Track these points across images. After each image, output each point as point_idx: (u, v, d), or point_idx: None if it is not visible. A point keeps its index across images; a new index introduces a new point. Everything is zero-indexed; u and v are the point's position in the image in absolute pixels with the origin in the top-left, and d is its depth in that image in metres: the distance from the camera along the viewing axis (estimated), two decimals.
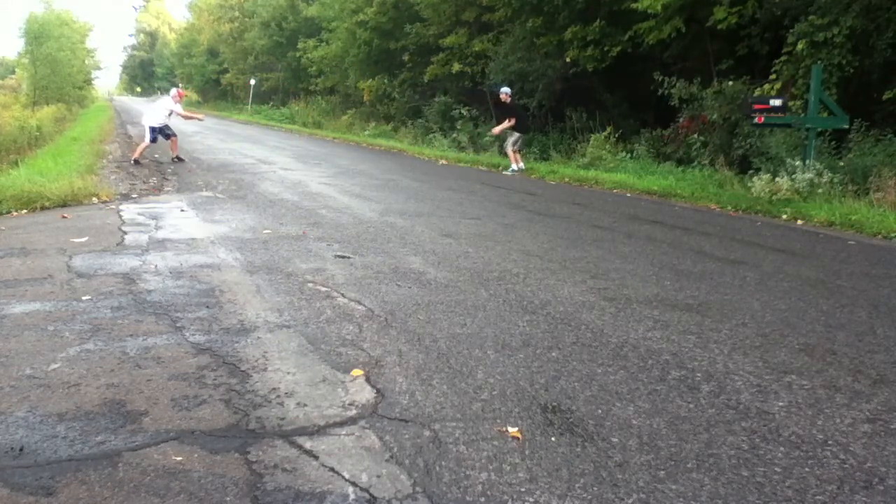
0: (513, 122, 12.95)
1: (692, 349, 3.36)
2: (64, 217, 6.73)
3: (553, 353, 3.25)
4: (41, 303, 3.83)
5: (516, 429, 2.48)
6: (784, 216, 7.89)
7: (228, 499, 2.00)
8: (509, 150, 12.89)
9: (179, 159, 12.57)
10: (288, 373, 2.94)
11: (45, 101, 31.96)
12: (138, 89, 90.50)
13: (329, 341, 3.35)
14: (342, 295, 4.16)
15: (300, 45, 30.38)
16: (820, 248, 6.16)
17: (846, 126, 9.14)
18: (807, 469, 2.26)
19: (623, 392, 2.82)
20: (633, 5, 11.97)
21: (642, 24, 12.51)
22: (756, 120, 8.99)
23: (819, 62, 9.36)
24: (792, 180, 8.39)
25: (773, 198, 8.37)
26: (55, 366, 2.94)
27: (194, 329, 3.46)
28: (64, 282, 4.27)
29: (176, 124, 12.82)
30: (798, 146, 9.41)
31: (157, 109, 12.59)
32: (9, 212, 7.08)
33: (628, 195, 9.84)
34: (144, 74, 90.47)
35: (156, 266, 4.76)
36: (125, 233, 5.95)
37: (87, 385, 2.76)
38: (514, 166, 12.74)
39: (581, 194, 9.84)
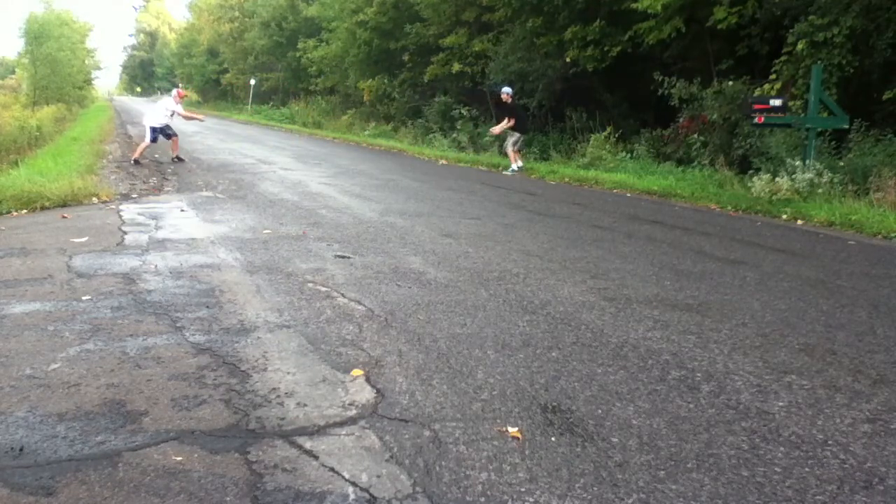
0: (512, 122, 12.95)
1: (692, 349, 3.36)
2: (64, 217, 6.73)
3: (553, 353, 3.25)
4: (41, 303, 3.83)
5: (516, 429, 2.48)
6: (784, 216, 7.89)
7: (228, 499, 2.00)
8: (510, 150, 12.89)
9: (179, 159, 12.57)
10: (288, 373, 2.94)
11: (45, 101, 31.96)
12: (138, 89, 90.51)
13: (329, 341, 3.35)
14: (342, 295, 4.16)
15: (300, 45, 30.39)
16: (820, 248, 6.16)
17: (846, 126, 9.14)
18: (807, 469, 2.26)
19: (623, 392, 2.82)
20: (633, 5, 11.97)
21: (642, 24, 12.51)
22: (756, 120, 9.00)
23: (819, 62, 9.36)
24: (792, 180, 8.40)
25: (773, 198, 8.37)
26: (55, 366, 2.94)
27: (194, 329, 3.46)
28: (64, 282, 4.27)
29: (176, 124, 12.81)
30: (798, 146, 9.41)
31: (158, 109, 12.60)
32: (9, 212, 7.08)
33: (628, 195, 9.84)
34: (144, 74, 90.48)
35: (156, 266, 4.76)
36: (125, 233, 5.95)
37: (87, 385, 2.76)
38: (514, 166, 12.74)
39: (581, 194, 9.84)
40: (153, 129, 12.12)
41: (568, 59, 14.56)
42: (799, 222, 7.60)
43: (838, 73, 9.61)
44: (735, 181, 9.66)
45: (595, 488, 2.12)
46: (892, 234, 6.69)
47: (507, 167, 12.92)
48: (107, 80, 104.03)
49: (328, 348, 3.25)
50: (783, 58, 10.34)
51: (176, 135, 12.65)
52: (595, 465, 2.25)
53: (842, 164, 8.97)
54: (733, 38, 11.95)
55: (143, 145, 12.34)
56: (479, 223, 6.92)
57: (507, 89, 13.05)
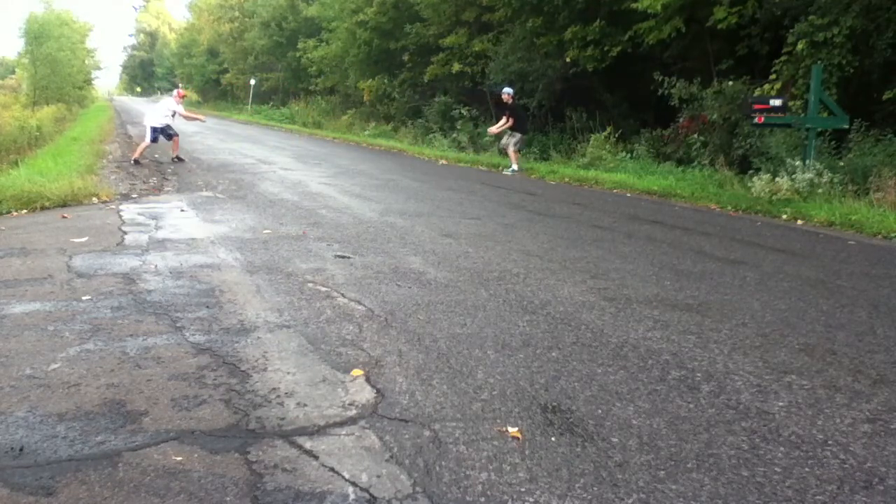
0: (511, 122, 12.96)
1: (692, 349, 3.36)
2: (64, 217, 6.73)
3: (553, 353, 3.25)
4: (41, 303, 3.83)
5: (516, 429, 2.48)
6: (784, 216, 7.89)
7: (228, 499, 2.00)
8: (511, 150, 12.89)
9: (179, 159, 12.57)
10: (288, 373, 2.94)
11: (45, 101, 31.96)
12: (138, 89, 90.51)
13: (329, 341, 3.35)
14: (342, 295, 4.16)
15: (300, 45, 30.38)
16: (820, 248, 6.16)
17: (846, 126, 9.14)
18: (807, 469, 2.26)
19: (623, 392, 2.82)
20: (633, 5, 11.97)
21: (642, 24, 12.51)
22: (756, 120, 9.00)
23: (819, 62, 9.36)
24: (792, 180, 8.40)
25: (773, 198, 8.37)
26: (55, 366, 2.94)
27: (194, 329, 3.46)
28: (64, 282, 4.27)
29: (177, 124, 12.82)
30: (798, 146, 9.41)
31: (159, 109, 12.60)
32: (9, 212, 7.08)
33: (628, 195, 9.84)
34: (144, 74, 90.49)
35: (156, 266, 4.76)
36: (125, 233, 5.95)
37: (87, 385, 2.76)
38: (514, 166, 12.75)
39: (581, 194, 9.84)
40: (153, 129, 12.12)
41: (568, 59, 14.56)
42: (799, 222, 7.60)
43: (838, 73, 9.61)
44: (735, 181, 9.66)
45: (595, 488, 2.12)
46: (892, 234, 6.69)
47: (507, 167, 12.93)
48: (107, 80, 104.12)
49: (328, 348, 3.25)
50: (783, 58, 10.34)
51: (177, 135, 12.65)
52: (595, 465, 2.25)
53: (842, 164, 8.97)
54: (733, 38, 11.95)
55: (143, 145, 12.34)
56: (479, 223, 6.92)
57: (507, 90, 13.06)
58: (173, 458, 2.21)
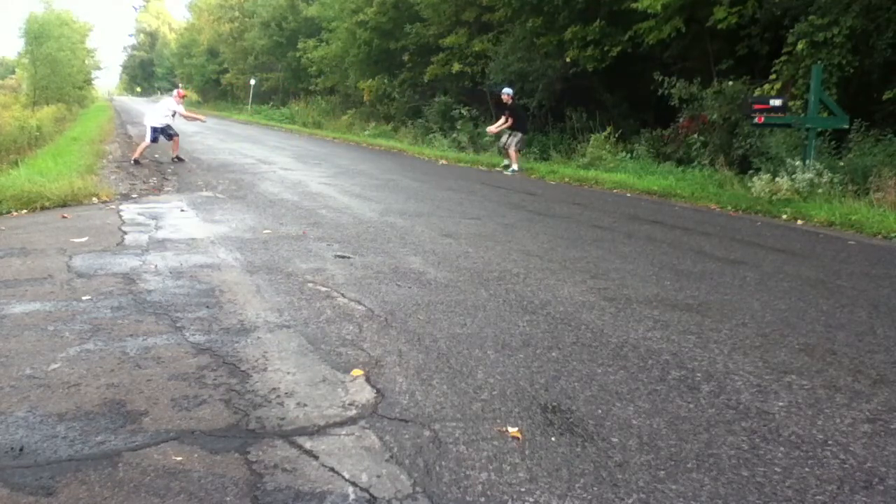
0: (510, 121, 12.97)
1: (692, 349, 3.36)
2: (64, 217, 6.73)
3: (553, 353, 3.25)
4: (41, 303, 3.83)
5: (516, 429, 2.48)
6: (784, 216, 7.89)
7: (228, 499, 2.00)
8: (512, 150, 12.89)
9: (179, 159, 12.57)
10: (288, 373, 2.94)
11: (45, 101, 31.96)
12: (138, 89, 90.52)
13: (329, 341, 3.35)
14: (342, 295, 4.16)
15: (300, 45, 30.39)
16: (820, 248, 6.16)
17: (846, 126, 9.14)
18: (807, 469, 2.26)
19: (623, 392, 2.82)
20: (633, 5, 11.97)
21: (642, 24, 12.51)
22: (756, 120, 9.00)
23: (819, 62, 9.36)
24: (792, 180, 8.40)
25: (773, 198, 8.37)
26: (55, 366, 2.94)
27: (194, 329, 3.46)
28: (64, 282, 4.27)
29: (177, 124, 12.82)
30: (798, 146, 9.41)
31: (160, 109, 12.59)
32: (9, 212, 7.08)
33: (628, 195, 9.84)
34: (144, 74, 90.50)
35: (156, 266, 4.76)
36: (125, 233, 5.95)
37: (87, 385, 2.76)
38: (514, 166, 12.75)
39: (581, 194, 9.84)
40: (153, 129, 12.11)
41: (568, 59, 14.56)
42: (799, 222, 7.60)
43: (838, 73, 9.61)
44: (735, 181, 9.66)
45: (595, 488, 2.12)
46: (892, 234, 6.69)
47: (499, 165, 12.93)
48: (107, 80, 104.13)
49: (328, 348, 3.25)
50: (783, 58, 10.34)
51: (177, 135, 12.65)
52: (595, 465, 2.25)
53: (842, 164, 8.97)
54: (733, 38, 11.95)
55: (143, 145, 12.34)
56: (479, 223, 6.93)
57: (507, 90, 13.08)
58: (173, 458, 2.21)
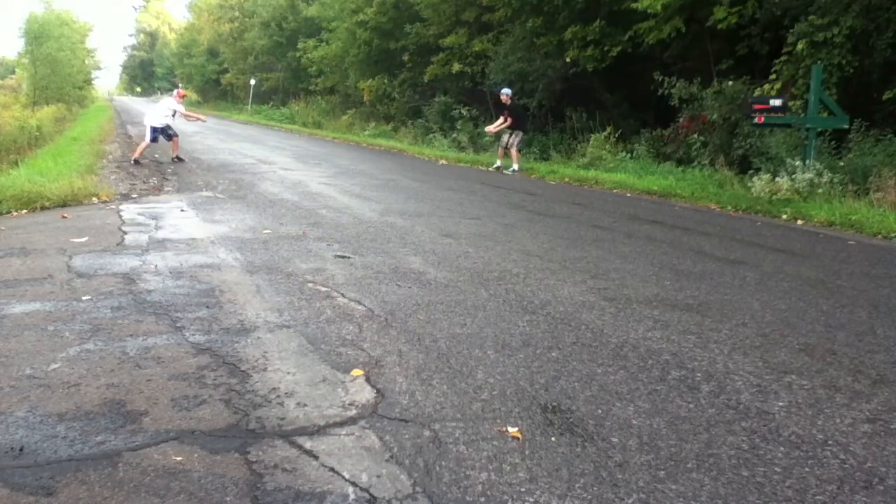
0: (509, 121, 12.97)
1: (692, 349, 3.36)
2: (64, 217, 6.73)
3: (553, 353, 3.25)
4: (41, 303, 3.83)
5: (516, 429, 2.48)
6: (784, 216, 7.89)
7: (228, 499, 2.00)
8: (514, 150, 12.90)
9: (179, 159, 12.57)
10: (288, 373, 2.94)
11: (45, 101, 31.96)
12: (138, 89, 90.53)
13: (329, 341, 3.35)
14: (342, 295, 4.16)
15: (300, 45, 30.39)
16: (820, 248, 6.16)
17: (846, 126, 9.14)
18: (807, 469, 2.26)
19: (623, 392, 2.82)
20: (633, 5, 11.97)
21: (642, 24, 12.52)
22: (756, 120, 9.00)
23: (819, 62, 9.36)
24: (792, 180, 8.40)
25: (773, 198, 8.37)
26: (55, 366, 2.94)
27: (194, 329, 3.46)
28: (64, 282, 4.27)
29: (177, 124, 12.82)
30: (798, 146, 9.41)
31: (160, 109, 12.59)
32: (9, 212, 7.08)
33: (628, 195, 9.84)
34: (144, 74, 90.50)
35: (156, 266, 4.76)
36: (125, 233, 5.95)
37: (87, 385, 2.76)
38: (515, 166, 12.76)
39: (581, 194, 9.84)
40: (153, 129, 12.11)
41: (568, 59, 14.57)
42: (799, 222, 7.60)
43: (838, 73, 9.61)
44: (735, 181, 9.66)
45: (595, 488, 2.12)
46: (892, 234, 6.69)
47: (507, 167, 12.93)
48: (107, 80, 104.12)
49: (328, 348, 3.25)
50: (783, 58, 10.34)
51: (177, 135, 12.65)
52: (595, 465, 2.25)
53: (842, 164, 8.98)
54: (733, 38, 11.95)
55: (142, 145, 12.34)
56: (479, 223, 6.93)
57: (506, 91, 13.10)
58: (173, 458, 2.21)
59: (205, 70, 50.73)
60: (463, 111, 17.81)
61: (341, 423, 2.48)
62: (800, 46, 9.82)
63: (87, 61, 42.61)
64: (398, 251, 5.45)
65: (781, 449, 2.39)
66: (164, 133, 12.25)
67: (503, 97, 13.04)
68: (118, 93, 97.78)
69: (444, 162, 14.85)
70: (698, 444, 2.40)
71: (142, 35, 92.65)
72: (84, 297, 3.93)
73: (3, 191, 7.41)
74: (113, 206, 7.47)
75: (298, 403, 2.64)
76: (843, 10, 9.53)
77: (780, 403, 2.76)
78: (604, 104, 14.95)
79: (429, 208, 7.84)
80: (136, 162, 11.94)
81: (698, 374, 3.04)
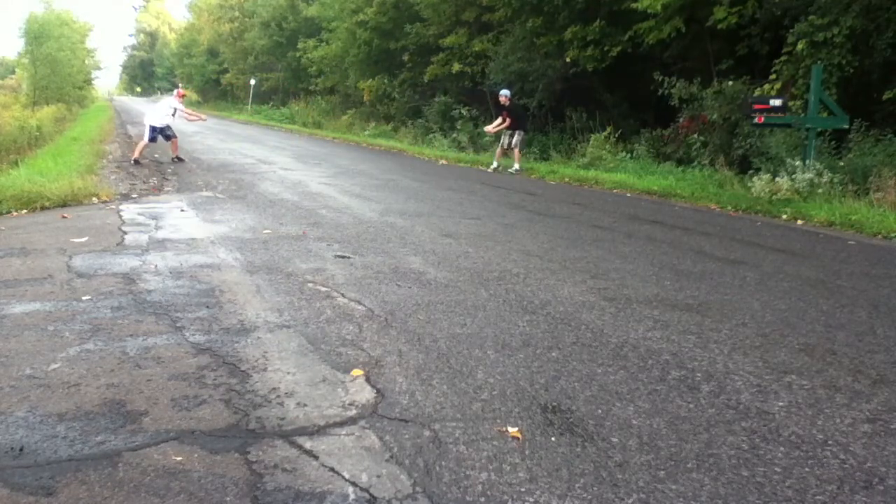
0: (508, 122, 12.97)
1: (692, 349, 3.36)
2: (64, 217, 6.73)
3: (553, 353, 3.25)
4: (41, 303, 3.83)
5: (516, 429, 2.48)
6: (784, 216, 7.89)
7: (228, 499, 2.00)
8: (516, 150, 12.90)
9: (179, 159, 12.57)
10: (288, 373, 2.94)
11: (45, 101, 31.96)
12: (138, 89, 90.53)
13: (329, 341, 3.35)
14: (342, 295, 4.16)
15: (300, 45, 30.39)
16: (820, 248, 6.16)
17: (846, 126, 9.14)
18: (807, 469, 2.26)
19: (623, 392, 2.82)
20: (633, 5, 11.97)
21: (642, 24, 12.52)
22: (756, 120, 9.00)
23: (819, 62, 9.36)
24: (792, 180, 8.40)
25: (773, 198, 8.37)
26: (55, 366, 2.94)
27: (194, 329, 3.46)
28: (64, 282, 4.27)
29: (176, 124, 12.81)
30: (798, 146, 9.41)
31: (160, 109, 12.59)
32: (9, 212, 7.08)
33: (628, 195, 9.84)
34: (144, 74, 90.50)
35: (156, 266, 4.76)
36: (125, 233, 5.95)
37: (87, 385, 2.76)
38: (515, 165, 12.76)
39: (581, 194, 9.84)
40: (153, 129, 12.11)
41: (568, 59, 14.57)
42: (799, 222, 7.60)
43: (838, 73, 9.61)
44: (735, 181, 9.66)
45: (595, 488, 2.12)
46: (892, 234, 6.69)
47: (508, 166, 12.94)
48: (107, 80, 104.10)
49: (328, 348, 3.25)
50: (783, 58, 10.34)
51: (176, 136, 12.65)
52: (595, 465, 2.25)
53: (842, 164, 8.98)
54: (733, 38, 11.95)
55: (141, 144, 12.34)
56: (479, 223, 6.93)
57: (504, 92, 13.12)
58: (173, 458, 2.21)
59: (205, 70, 50.73)
60: (463, 111, 17.81)
61: (341, 423, 2.48)
62: (800, 46, 9.82)
63: (87, 61, 42.62)
64: (398, 251, 5.45)
65: (781, 449, 2.39)
66: (163, 133, 12.25)
67: (502, 98, 13.06)
68: (118, 93, 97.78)
69: (444, 162, 14.85)
70: (698, 444, 2.40)
71: (142, 35, 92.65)
72: (84, 297, 3.93)
73: (3, 191, 7.41)
74: (113, 206, 7.47)
75: (298, 403, 2.64)
76: (843, 10, 9.53)
77: (780, 403, 2.76)
78: (604, 104, 14.95)
79: (429, 208, 7.84)
80: (136, 162, 11.94)
81: (698, 374, 3.04)
